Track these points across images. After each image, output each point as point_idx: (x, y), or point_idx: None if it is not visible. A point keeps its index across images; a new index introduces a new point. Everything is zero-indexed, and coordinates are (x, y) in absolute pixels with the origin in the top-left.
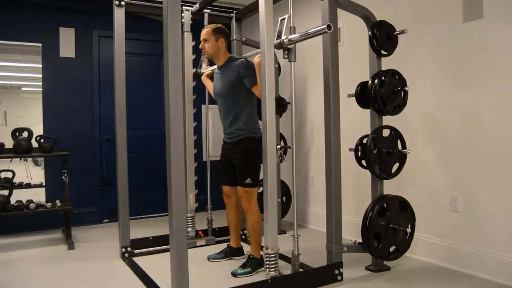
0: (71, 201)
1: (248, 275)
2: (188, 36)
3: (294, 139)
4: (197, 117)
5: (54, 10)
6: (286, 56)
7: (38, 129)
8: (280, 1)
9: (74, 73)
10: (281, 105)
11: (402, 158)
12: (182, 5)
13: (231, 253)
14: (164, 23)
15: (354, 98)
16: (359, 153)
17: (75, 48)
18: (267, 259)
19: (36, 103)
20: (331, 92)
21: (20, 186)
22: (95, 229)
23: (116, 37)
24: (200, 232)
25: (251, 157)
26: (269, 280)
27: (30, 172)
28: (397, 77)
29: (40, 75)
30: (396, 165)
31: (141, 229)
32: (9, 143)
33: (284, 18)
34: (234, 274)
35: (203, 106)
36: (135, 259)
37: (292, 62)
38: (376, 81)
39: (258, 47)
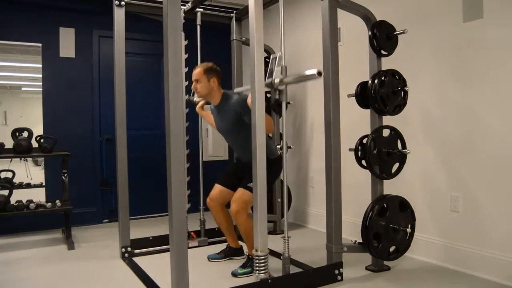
0: (71, 201)
1: (248, 275)
2: (180, 35)
3: (286, 145)
4: (191, 117)
5: (54, 10)
6: (277, 96)
7: (38, 129)
8: (276, 3)
9: (74, 73)
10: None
11: (402, 158)
12: None
13: (231, 253)
14: (164, 23)
15: (354, 98)
16: (359, 153)
17: (75, 48)
18: (257, 261)
19: (36, 103)
20: (331, 92)
21: (20, 186)
22: (95, 229)
23: (116, 37)
24: (192, 233)
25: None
26: (269, 280)
27: (30, 172)
28: (397, 77)
29: (40, 75)
30: (396, 165)
31: (141, 229)
32: (9, 143)
33: (276, 57)
34: (234, 274)
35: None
36: (135, 259)
37: (284, 102)
38: (376, 81)
39: None
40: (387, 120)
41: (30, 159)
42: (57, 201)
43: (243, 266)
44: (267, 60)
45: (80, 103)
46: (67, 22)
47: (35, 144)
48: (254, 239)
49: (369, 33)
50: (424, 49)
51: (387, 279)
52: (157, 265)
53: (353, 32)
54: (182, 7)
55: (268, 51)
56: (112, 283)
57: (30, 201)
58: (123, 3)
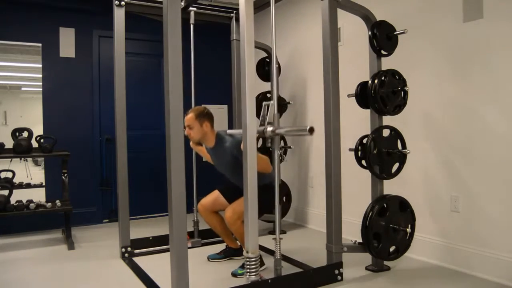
0: (71, 201)
1: None
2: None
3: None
4: None
5: (54, 10)
6: (269, 144)
7: (38, 129)
8: (267, 7)
9: (74, 73)
10: (281, 105)
11: (402, 158)
12: None
13: (231, 253)
14: (164, 23)
15: (354, 98)
16: (359, 153)
17: (75, 48)
18: (247, 263)
19: (36, 103)
20: (331, 92)
21: (20, 186)
22: (95, 229)
23: (116, 37)
24: None
25: (263, 192)
26: (269, 280)
27: (30, 172)
28: (397, 77)
29: (40, 75)
30: (396, 165)
31: (141, 229)
32: (9, 143)
33: (268, 104)
34: (234, 274)
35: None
36: (135, 259)
37: (276, 150)
38: (376, 81)
39: (257, 47)
40: (387, 120)
41: (30, 159)
42: (57, 201)
43: (243, 266)
44: (267, 60)
45: (80, 103)
46: (67, 22)
47: (35, 144)
48: (245, 241)
49: (369, 33)
50: (424, 49)
51: (387, 279)
52: (157, 265)
53: (353, 32)
54: None
55: (268, 51)
56: (112, 283)
57: (30, 201)
58: (123, 3)
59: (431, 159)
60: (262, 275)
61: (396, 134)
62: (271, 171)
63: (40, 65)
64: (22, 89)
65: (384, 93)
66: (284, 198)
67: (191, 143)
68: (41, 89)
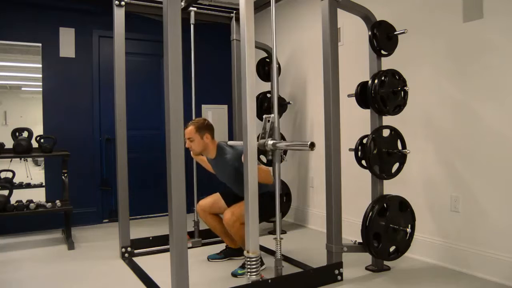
0: (71, 201)
1: None
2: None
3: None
4: (187, 117)
5: (54, 10)
6: (270, 157)
7: (38, 129)
8: (267, 7)
9: (74, 73)
10: (281, 105)
11: (402, 158)
12: None
13: (231, 253)
14: (164, 23)
15: (354, 98)
16: (359, 153)
17: (75, 48)
18: (248, 263)
19: (36, 103)
20: (331, 92)
21: (20, 186)
22: (95, 229)
23: (116, 37)
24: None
25: (263, 201)
26: (269, 280)
27: (30, 172)
28: (397, 77)
29: (40, 75)
30: (396, 165)
31: (141, 229)
32: (9, 143)
33: (269, 119)
34: (234, 274)
35: (202, 106)
36: (135, 259)
37: (277, 164)
38: (376, 81)
39: (257, 47)
40: (387, 120)
41: (30, 159)
42: (57, 201)
43: (243, 266)
44: (267, 60)
45: (80, 103)
46: (67, 22)
47: (35, 144)
48: (246, 241)
49: (369, 33)
50: (424, 49)
51: (387, 279)
52: (157, 265)
53: (353, 32)
54: None
55: (268, 50)
56: (112, 283)
57: (30, 201)
58: (123, 3)
59: (431, 159)
60: (263, 275)
61: (396, 134)
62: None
63: (40, 65)
64: (22, 89)
65: (384, 93)
66: (284, 198)
67: (192, 153)
68: (41, 89)
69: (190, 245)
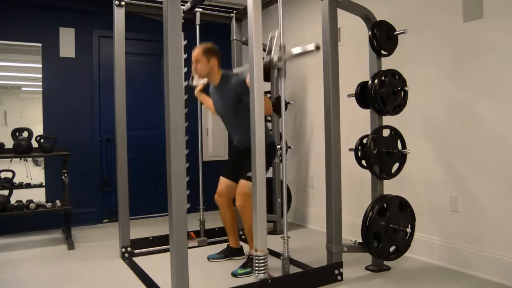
0: (71, 201)
1: (248, 275)
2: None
3: (283, 141)
4: (191, 116)
5: (54, 10)
6: (276, 74)
7: (38, 129)
8: (274, 4)
9: (74, 73)
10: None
11: (402, 158)
12: None
13: (231, 253)
14: (164, 23)
15: (354, 98)
16: (359, 153)
17: (75, 48)
18: (256, 261)
19: (36, 103)
20: (331, 92)
21: (20, 186)
22: (95, 229)
23: (116, 37)
24: (192, 233)
25: (269, 152)
26: (269, 280)
27: (30, 172)
28: (397, 77)
29: (40, 75)
30: (396, 165)
31: (141, 229)
32: (9, 143)
33: (274, 36)
34: (234, 274)
35: (202, 106)
36: (135, 259)
37: (283, 79)
38: (376, 81)
39: None
40: (387, 120)
41: (30, 159)
42: (57, 201)
43: (243, 266)
44: None
45: (80, 103)
46: (67, 22)
47: (35, 144)
48: (254, 239)
49: (369, 33)
50: (424, 49)
51: (387, 279)
52: (157, 265)
53: (353, 32)
54: (182, 7)
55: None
56: (112, 283)
57: (30, 201)
58: (123, 3)
59: (431, 159)
60: (270, 273)
61: (396, 134)
62: (267, 131)
63: (40, 65)
64: (22, 89)
65: (384, 93)
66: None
67: (196, 91)
68: (41, 89)
69: (196, 244)
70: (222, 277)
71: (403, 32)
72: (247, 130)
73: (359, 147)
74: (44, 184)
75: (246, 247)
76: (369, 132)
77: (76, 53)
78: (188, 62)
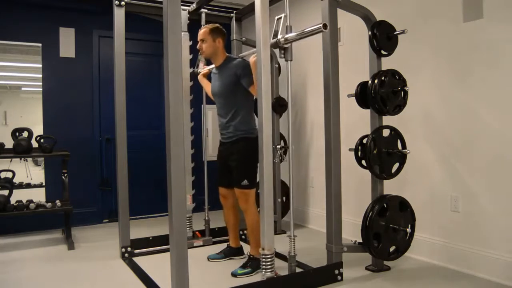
0: (71, 201)
1: (248, 275)
2: (185, 36)
3: (290, 138)
4: (196, 117)
5: (54, 10)
6: (282, 56)
7: (38, 129)
8: (279, 1)
9: (74, 73)
10: (281, 105)
11: (402, 158)
12: None
13: (231, 253)
14: (164, 23)
15: (354, 98)
16: (359, 153)
17: (75, 48)
18: (263, 260)
19: (36, 103)
20: (331, 92)
21: (20, 186)
22: (95, 229)
23: (116, 37)
24: (197, 232)
25: (247, 158)
26: (269, 279)
27: (30, 172)
28: (397, 77)
29: (40, 75)
30: (396, 165)
31: (141, 229)
32: (9, 143)
33: (281, 17)
34: (234, 274)
35: (202, 106)
36: (135, 259)
37: (289, 62)
38: (376, 81)
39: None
40: (387, 120)
41: (30, 159)
42: (57, 201)
43: (243, 266)
44: None
45: (80, 103)
46: (67, 22)
47: (35, 144)
48: (261, 238)
49: (369, 33)
50: (424, 49)
51: (387, 279)
52: (157, 265)
53: (353, 32)
54: (187, 7)
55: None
56: (112, 283)
57: (30, 201)
58: (123, 3)
59: (431, 159)
60: (277, 272)
61: (396, 134)
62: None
63: (40, 65)
64: (22, 89)
65: (384, 93)
66: (284, 198)
67: (199, 76)
68: (41, 89)
69: (201, 243)
70: (222, 277)
71: (403, 32)
72: (234, 116)
73: (359, 147)
74: (44, 184)
75: (246, 247)
76: (369, 132)
77: (76, 53)
78: (193, 63)
